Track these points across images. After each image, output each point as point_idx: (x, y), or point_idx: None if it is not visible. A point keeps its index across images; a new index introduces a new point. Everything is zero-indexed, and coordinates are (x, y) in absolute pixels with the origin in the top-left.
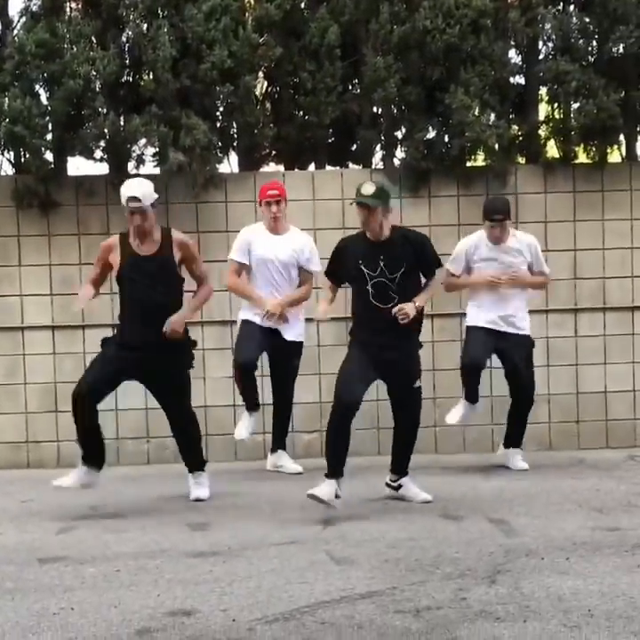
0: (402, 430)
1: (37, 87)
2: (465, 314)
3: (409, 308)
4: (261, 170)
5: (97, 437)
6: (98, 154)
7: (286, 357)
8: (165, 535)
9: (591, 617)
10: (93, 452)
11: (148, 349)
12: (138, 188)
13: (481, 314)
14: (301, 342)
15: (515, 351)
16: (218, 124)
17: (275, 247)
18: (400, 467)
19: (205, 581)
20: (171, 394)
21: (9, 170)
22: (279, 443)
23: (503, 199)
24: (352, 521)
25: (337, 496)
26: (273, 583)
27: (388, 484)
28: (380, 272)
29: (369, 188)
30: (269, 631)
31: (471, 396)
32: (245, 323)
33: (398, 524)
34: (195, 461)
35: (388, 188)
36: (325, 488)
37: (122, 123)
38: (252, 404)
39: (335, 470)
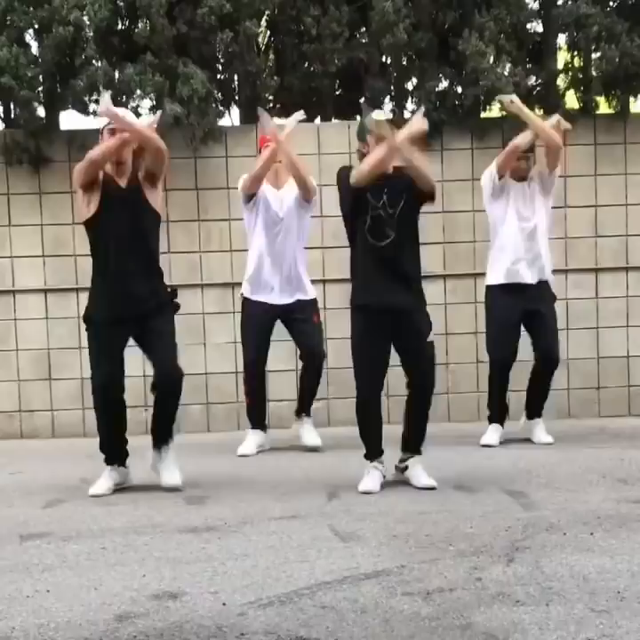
0: (416, 394)
1: (26, 35)
2: (479, 274)
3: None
4: None
5: (123, 433)
6: (92, 107)
7: (300, 319)
8: (158, 509)
9: (621, 600)
10: (118, 449)
11: (136, 318)
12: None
13: (503, 258)
14: (313, 299)
15: (546, 317)
16: (219, 76)
17: (282, 202)
18: (413, 443)
19: (197, 560)
20: (157, 333)
21: None
22: (305, 407)
23: None
24: (358, 493)
25: (383, 476)
26: (270, 562)
27: (396, 466)
28: (382, 205)
29: (381, 114)
30: (263, 616)
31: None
32: (246, 304)
33: (408, 497)
34: (166, 432)
35: None
36: (375, 475)
37: (116, 73)
38: (258, 420)
39: (375, 451)
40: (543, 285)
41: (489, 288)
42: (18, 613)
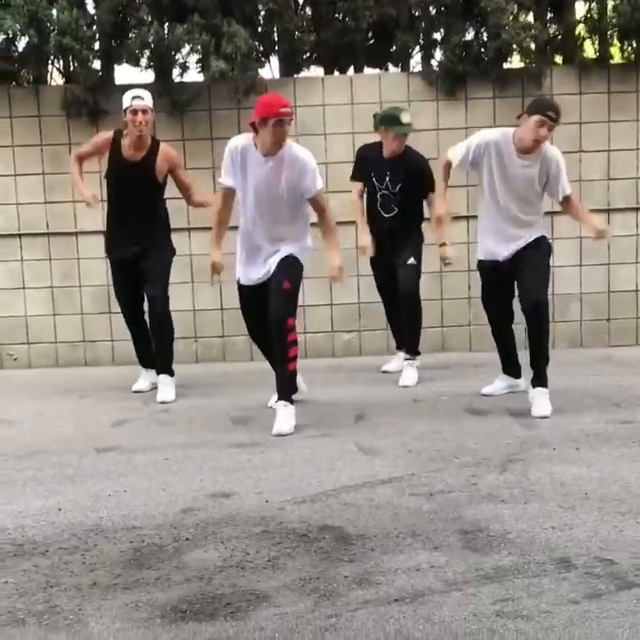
0: (401, 307)
1: None
2: None
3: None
4: (301, 74)
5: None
6: (143, 62)
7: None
8: (210, 428)
9: (586, 500)
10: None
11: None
12: (141, 91)
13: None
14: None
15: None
16: (259, 30)
17: (268, 176)
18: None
19: (243, 469)
20: (154, 270)
21: (59, 80)
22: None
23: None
24: (383, 415)
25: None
26: (304, 470)
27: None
28: (386, 185)
29: (407, 117)
30: (297, 510)
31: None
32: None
33: (425, 419)
34: (162, 364)
35: None
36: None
37: (166, 32)
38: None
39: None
40: None
41: None
42: (104, 507)
